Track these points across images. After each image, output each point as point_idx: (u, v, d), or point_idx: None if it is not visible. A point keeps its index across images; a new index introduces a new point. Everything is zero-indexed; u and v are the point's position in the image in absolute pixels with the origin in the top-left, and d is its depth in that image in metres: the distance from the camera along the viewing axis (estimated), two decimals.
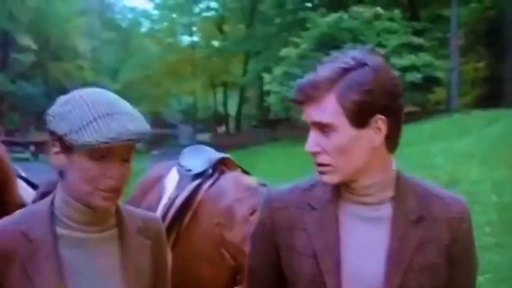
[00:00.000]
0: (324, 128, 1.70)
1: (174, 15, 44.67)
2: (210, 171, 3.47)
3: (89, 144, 1.60)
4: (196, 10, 44.02)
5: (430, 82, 24.04)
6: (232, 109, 45.08)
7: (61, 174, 1.74)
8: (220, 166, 3.50)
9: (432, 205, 1.77)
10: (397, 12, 25.08)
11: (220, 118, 47.80)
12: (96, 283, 1.77)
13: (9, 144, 24.47)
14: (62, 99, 1.73)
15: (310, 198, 1.84)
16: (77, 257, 1.76)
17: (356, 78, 1.68)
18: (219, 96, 45.51)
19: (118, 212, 1.84)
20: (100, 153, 1.65)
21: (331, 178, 1.74)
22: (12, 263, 1.71)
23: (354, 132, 1.69)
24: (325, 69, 1.71)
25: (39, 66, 45.69)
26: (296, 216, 1.84)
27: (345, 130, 1.69)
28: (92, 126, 1.62)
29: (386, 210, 1.76)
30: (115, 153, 1.67)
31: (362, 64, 1.69)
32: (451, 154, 13.47)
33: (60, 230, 1.75)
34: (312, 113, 1.72)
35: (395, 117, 1.72)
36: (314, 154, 1.73)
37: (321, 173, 1.74)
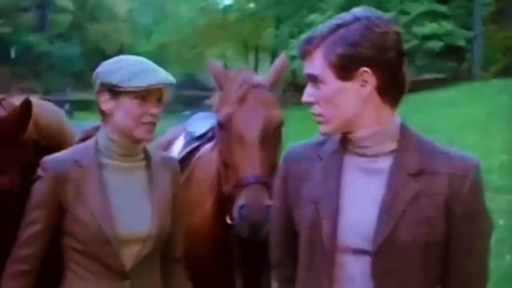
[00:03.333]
0: (314, 80, 1.79)
1: None
2: (210, 134, 3.55)
3: (138, 87, 2.16)
4: None
5: (452, 51, 23.94)
6: (263, 72, 44.95)
7: (105, 118, 2.27)
8: None
9: (435, 160, 1.76)
10: None
11: None
12: (130, 200, 2.27)
13: (46, 101, 25.16)
14: (108, 62, 2.29)
15: (320, 150, 1.91)
16: (116, 179, 2.27)
17: (344, 33, 1.74)
18: (251, 59, 45.61)
19: (144, 149, 2.37)
20: (142, 95, 2.19)
21: (324, 128, 1.83)
22: (67, 183, 2.21)
23: (340, 84, 1.75)
24: (324, 26, 1.80)
25: (76, 27, 45.53)
26: (306, 167, 1.92)
27: (331, 82, 1.75)
28: (138, 76, 2.17)
29: (386, 162, 1.79)
30: (152, 95, 2.22)
31: (353, 21, 1.75)
32: (455, 120, 13.83)
33: (103, 159, 2.27)
34: (305, 67, 1.81)
35: (385, 70, 1.75)
36: (309, 104, 1.82)
37: (318, 123, 1.84)
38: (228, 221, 2.80)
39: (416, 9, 23.66)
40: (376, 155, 1.80)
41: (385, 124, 1.79)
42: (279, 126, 2.85)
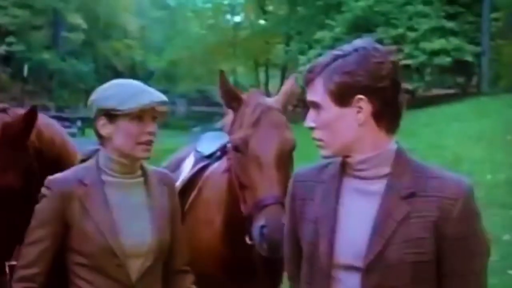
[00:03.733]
0: (315, 106, 1.89)
1: None
2: (218, 153, 3.66)
3: (133, 108, 2.28)
4: None
5: (460, 66, 24.04)
6: (274, 88, 45.26)
7: (103, 141, 2.38)
8: None
9: (428, 184, 1.83)
10: None
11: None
12: (132, 214, 2.37)
13: (58, 119, 25.11)
14: (101, 88, 2.39)
15: (324, 173, 2.01)
16: (117, 195, 2.38)
17: (342, 62, 1.84)
18: (262, 76, 45.83)
19: (142, 166, 2.49)
20: (138, 116, 2.31)
21: (324, 152, 1.92)
22: (72, 201, 2.31)
23: (338, 111, 1.85)
24: (325, 56, 1.91)
25: (88, 44, 45.83)
26: (310, 189, 2.02)
27: (330, 109, 1.86)
28: (132, 98, 2.29)
29: (380, 185, 1.86)
30: (147, 115, 2.34)
31: (352, 52, 1.85)
32: (463, 135, 13.86)
33: (105, 177, 2.38)
34: (308, 94, 1.91)
35: (380, 97, 1.83)
36: (311, 129, 1.92)
37: (318, 147, 1.93)
38: (248, 241, 2.88)
39: (425, 25, 23.71)
40: (371, 178, 1.88)
41: (381, 149, 1.87)
42: (292, 148, 2.96)
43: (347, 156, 1.90)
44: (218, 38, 42.37)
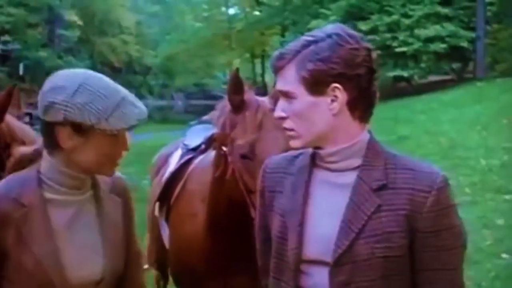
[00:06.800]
0: (287, 96, 1.80)
1: None
2: (203, 146, 3.70)
3: (119, 129, 1.84)
4: None
5: (456, 52, 23.89)
6: (271, 79, 45.20)
7: (55, 150, 1.89)
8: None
9: (399, 176, 1.77)
10: None
11: (259, 88, 48.09)
12: (80, 239, 1.94)
13: None
14: (63, 88, 1.82)
15: (293, 164, 1.95)
16: (62, 216, 1.93)
17: (315, 49, 1.75)
18: (258, 67, 45.81)
19: (92, 176, 2.02)
20: (116, 133, 1.86)
21: (295, 143, 1.84)
22: (8, 227, 1.85)
23: (312, 99, 1.76)
24: (294, 42, 1.80)
25: (84, 41, 45.74)
26: (280, 180, 1.96)
27: (303, 98, 1.77)
28: (115, 113, 1.82)
29: (351, 178, 1.80)
30: (124, 131, 1.90)
31: (324, 38, 1.76)
32: (458, 121, 13.92)
33: (48, 195, 1.91)
34: (278, 82, 1.82)
35: (355, 86, 1.76)
36: (281, 119, 1.83)
37: (289, 137, 1.86)
38: None
39: (419, 11, 23.59)
40: (342, 170, 1.82)
41: (354, 139, 1.81)
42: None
43: (318, 148, 1.84)
44: (213, 31, 42.44)
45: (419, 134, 13.46)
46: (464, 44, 23.29)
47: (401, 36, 23.56)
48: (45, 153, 1.94)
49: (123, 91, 1.90)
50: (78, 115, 1.80)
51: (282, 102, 1.83)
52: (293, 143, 1.84)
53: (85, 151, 1.87)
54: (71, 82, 1.84)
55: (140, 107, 1.89)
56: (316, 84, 1.75)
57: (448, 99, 17.93)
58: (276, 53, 1.83)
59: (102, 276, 1.98)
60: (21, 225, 1.86)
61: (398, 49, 23.45)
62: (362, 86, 1.77)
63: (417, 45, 23.18)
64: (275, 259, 1.91)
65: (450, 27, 23.19)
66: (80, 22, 44.09)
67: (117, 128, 1.83)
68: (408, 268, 1.78)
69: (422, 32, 22.89)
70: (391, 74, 24.05)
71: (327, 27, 1.81)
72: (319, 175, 1.87)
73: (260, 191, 2.05)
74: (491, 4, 24.95)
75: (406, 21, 23.55)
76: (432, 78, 26.89)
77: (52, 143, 1.89)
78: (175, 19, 51.55)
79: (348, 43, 1.75)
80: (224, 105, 3.08)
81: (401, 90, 24.10)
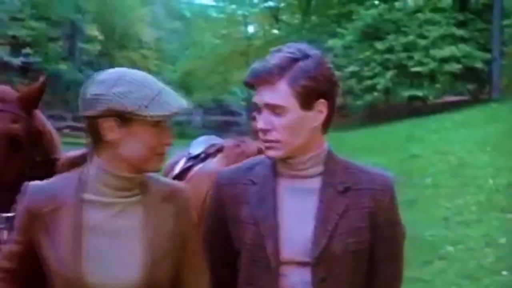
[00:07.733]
0: (275, 109, 1.89)
1: (233, 6, 45.28)
2: (203, 155, 3.71)
3: (160, 116, 1.82)
4: (255, 0, 44.50)
5: (471, 73, 24.07)
6: None
7: (100, 147, 1.89)
8: (215, 151, 3.61)
9: (359, 178, 1.97)
10: (446, 2, 25.13)
11: None
12: (114, 242, 1.87)
13: (74, 129, 25.64)
14: (106, 80, 1.85)
15: (252, 175, 2.04)
16: (99, 218, 1.87)
17: (303, 67, 1.87)
18: None
19: (144, 180, 1.96)
20: (158, 122, 1.85)
21: (276, 153, 1.93)
22: (38, 221, 1.88)
23: (302, 113, 1.89)
24: (275, 57, 1.90)
25: (105, 55, 45.74)
26: (240, 191, 2.03)
27: (295, 111, 1.88)
28: (155, 101, 1.82)
29: (317, 182, 1.96)
30: (166, 122, 1.89)
31: (306, 56, 1.90)
32: (469, 141, 14.01)
33: (87, 196, 1.89)
34: (265, 96, 1.90)
35: (333, 102, 1.94)
36: (265, 131, 1.91)
37: (268, 148, 1.94)
38: None
39: (435, 32, 23.81)
40: (311, 176, 1.97)
41: (321, 148, 1.98)
42: None
43: (290, 157, 1.95)
44: (231, 48, 42.63)
45: (429, 153, 13.56)
46: (479, 65, 23.40)
47: (417, 56, 23.74)
48: (92, 156, 1.94)
49: (163, 85, 1.92)
50: (119, 103, 1.81)
51: (267, 115, 1.91)
52: (273, 154, 1.94)
53: (128, 144, 1.85)
54: (111, 76, 1.86)
55: (180, 98, 1.90)
56: (308, 99, 1.88)
57: (461, 119, 18.05)
58: (257, 67, 1.91)
59: (137, 283, 1.86)
60: (48, 221, 1.88)
61: (413, 69, 23.62)
62: (336, 102, 1.96)
63: (432, 65, 23.36)
64: (248, 266, 1.99)
65: (465, 48, 23.37)
66: (100, 37, 44.48)
67: (157, 114, 1.81)
68: (368, 262, 1.99)
69: (438, 53, 23.07)
70: (407, 93, 24.20)
71: (295, 45, 1.96)
72: (286, 182, 1.99)
73: (216, 202, 2.11)
74: (507, 26, 25.01)
75: (422, 42, 23.72)
76: (448, 98, 26.93)
77: (97, 139, 1.88)
78: (194, 36, 51.83)
79: (325, 62, 1.94)
80: None
81: (416, 109, 24.17)
